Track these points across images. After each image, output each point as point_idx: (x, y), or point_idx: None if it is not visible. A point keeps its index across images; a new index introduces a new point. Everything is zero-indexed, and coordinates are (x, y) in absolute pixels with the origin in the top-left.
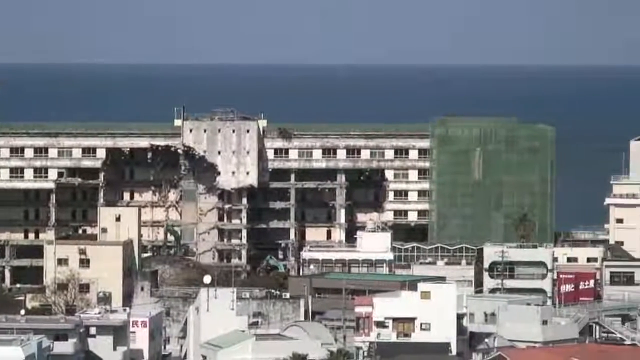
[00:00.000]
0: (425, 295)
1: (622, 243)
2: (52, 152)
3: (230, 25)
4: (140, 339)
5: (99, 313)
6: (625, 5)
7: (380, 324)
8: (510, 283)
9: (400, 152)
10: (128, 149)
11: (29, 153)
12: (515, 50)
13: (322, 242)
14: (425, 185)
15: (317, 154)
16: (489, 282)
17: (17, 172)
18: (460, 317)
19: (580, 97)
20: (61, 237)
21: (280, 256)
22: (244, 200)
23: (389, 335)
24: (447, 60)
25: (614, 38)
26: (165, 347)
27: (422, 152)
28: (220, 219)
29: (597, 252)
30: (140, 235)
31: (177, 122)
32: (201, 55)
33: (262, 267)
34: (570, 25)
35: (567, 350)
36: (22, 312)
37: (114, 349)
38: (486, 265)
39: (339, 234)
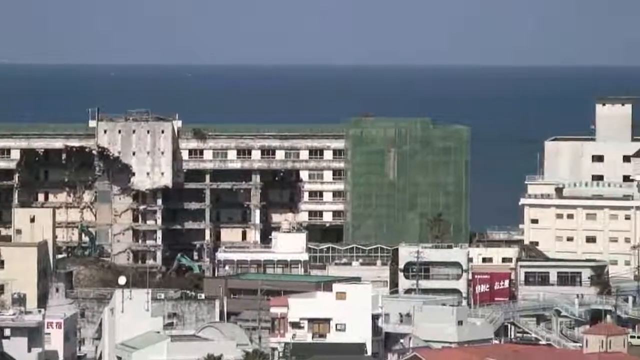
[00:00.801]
0: (341, 295)
1: (536, 243)
2: None
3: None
4: (55, 340)
5: (14, 314)
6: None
7: (296, 325)
8: (425, 283)
9: (315, 153)
10: (42, 150)
11: None
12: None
13: (237, 243)
14: (340, 186)
15: (232, 154)
16: (404, 283)
17: None
18: (375, 317)
19: (496, 98)
20: None
21: (196, 257)
22: (159, 201)
23: (305, 336)
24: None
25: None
26: (80, 349)
27: (337, 152)
28: (135, 220)
29: (511, 252)
30: (55, 237)
31: (92, 123)
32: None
33: (173, 268)
34: (495, 25)
35: (483, 351)
36: None
37: (29, 350)
38: (401, 265)
39: (254, 235)
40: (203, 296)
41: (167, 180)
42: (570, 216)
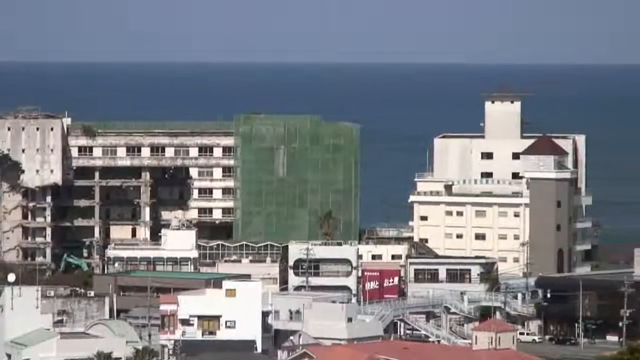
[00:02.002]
0: (231, 293)
1: (426, 240)
2: None
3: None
4: None
5: None
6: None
7: (186, 322)
8: (315, 280)
9: (205, 150)
10: None
11: None
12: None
13: (127, 240)
14: (229, 183)
15: (122, 151)
16: (293, 280)
17: None
18: (265, 314)
19: (387, 95)
20: None
21: (85, 254)
22: (48, 199)
23: (194, 333)
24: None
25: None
26: None
27: (227, 149)
28: (25, 217)
29: (401, 249)
30: None
31: None
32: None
33: (61, 269)
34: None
35: (372, 347)
36: None
37: None
38: (291, 262)
39: (143, 232)
40: (93, 293)
41: (56, 177)
42: (459, 213)
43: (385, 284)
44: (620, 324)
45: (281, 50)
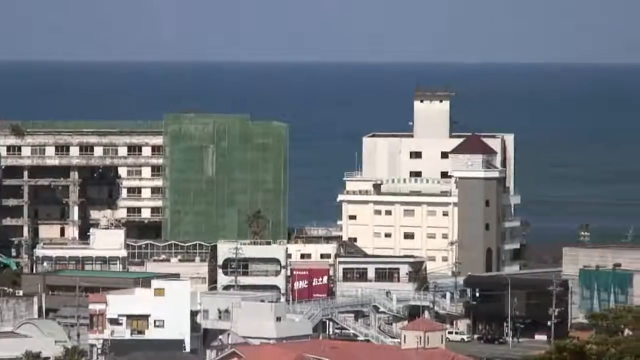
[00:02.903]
0: (159, 292)
1: (355, 239)
2: None
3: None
4: None
5: None
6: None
7: (114, 321)
8: (244, 280)
9: (134, 149)
10: None
11: None
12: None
13: (56, 240)
14: (158, 182)
15: (50, 151)
16: (222, 279)
17: None
18: (194, 313)
19: (314, 93)
20: None
21: (14, 254)
22: None
23: (123, 332)
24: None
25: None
26: None
27: (156, 149)
28: None
29: (330, 248)
30: None
31: None
32: None
33: None
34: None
35: (301, 347)
36: None
37: None
38: (220, 262)
39: (72, 231)
40: (21, 293)
41: None
42: (388, 212)
43: (314, 283)
44: (549, 322)
45: (207, 49)
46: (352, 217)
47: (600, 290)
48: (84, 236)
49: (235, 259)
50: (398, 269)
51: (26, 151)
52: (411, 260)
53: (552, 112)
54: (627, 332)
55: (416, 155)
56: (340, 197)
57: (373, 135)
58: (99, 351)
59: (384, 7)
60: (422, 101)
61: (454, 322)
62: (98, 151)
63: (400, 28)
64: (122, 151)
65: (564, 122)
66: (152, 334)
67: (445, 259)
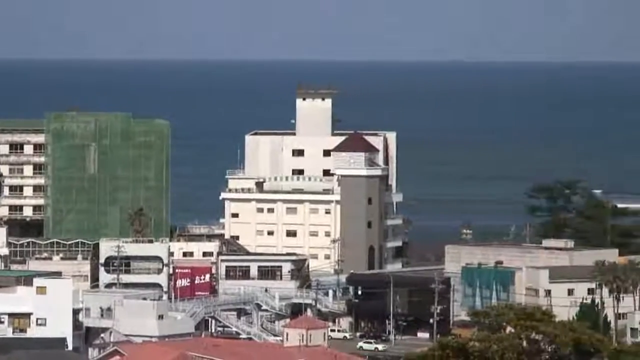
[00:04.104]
0: (41, 290)
1: (237, 237)
2: None
3: None
4: None
5: None
6: None
7: None
8: (126, 278)
9: (15, 147)
10: None
11: None
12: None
13: None
14: (40, 181)
15: None
16: (105, 277)
17: None
18: (76, 312)
19: (196, 91)
20: None
21: None
22: None
23: (5, 330)
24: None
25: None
26: None
27: (38, 147)
28: None
29: (212, 246)
30: None
31: None
32: None
33: None
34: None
35: (183, 345)
36: None
37: None
38: (102, 260)
39: None
40: None
41: None
42: (270, 210)
43: (196, 281)
44: (431, 320)
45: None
46: (235, 215)
47: (482, 287)
48: None
49: (118, 257)
50: (280, 266)
51: None
52: (294, 258)
53: (443, 111)
54: (509, 329)
55: (298, 153)
56: (222, 195)
57: (255, 133)
58: None
59: (266, 3)
60: (304, 99)
61: (337, 320)
62: None
63: (283, 25)
64: (4, 149)
65: (455, 121)
66: (34, 332)
67: (327, 257)
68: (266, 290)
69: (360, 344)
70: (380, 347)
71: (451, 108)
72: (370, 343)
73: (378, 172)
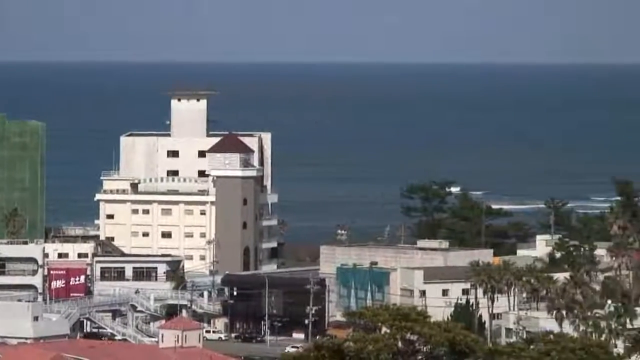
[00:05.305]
0: None
1: (112, 238)
2: None
3: None
4: None
5: None
6: None
7: None
8: (0, 279)
9: None
10: None
11: None
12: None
13: None
14: None
15: None
16: None
17: None
18: None
19: (72, 93)
20: None
21: None
22: None
23: None
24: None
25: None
26: None
27: None
28: None
29: (87, 247)
30: None
31: None
32: None
33: None
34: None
35: (58, 346)
36: None
37: None
38: None
39: None
40: None
41: None
42: (146, 211)
43: (71, 282)
44: (306, 321)
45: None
46: (110, 217)
47: (357, 288)
48: None
49: None
50: (156, 268)
51: None
52: (169, 259)
53: (302, 111)
54: (384, 329)
55: (173, 154)
56: (97, 197)
57: (131, 135)
58: None
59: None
60: (179, 100)
61: (212, 321)
62: None
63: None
64: None
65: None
66: None
67: (203, 258)
68: (136, 292)
69: None
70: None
71: (334, 110)
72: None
73: (253, 173)
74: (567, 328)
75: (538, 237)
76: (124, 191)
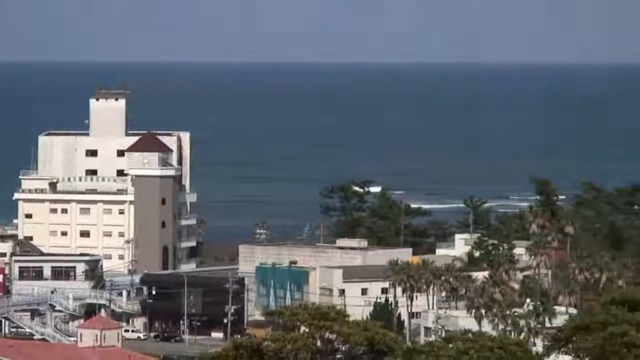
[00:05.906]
0: None
1: (31, 238)
2: None
3: None
4: None
5: None
6: None
7: None
8: None
9: None
10: None
11: None
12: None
13: None
14: None
15: None
16: None
17: None
18: None
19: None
20: None
21: None
22: None
23: None
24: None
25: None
26: None
27: None
28: None
29: (5, 247)
30: None
31: None
32: None
33: None
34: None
35: None
36: None
37: None
38: None
39: None
40: None
41: None
42: (64, 211)
43: None
44: (225, 320)
45: None
46: (28, 216)
47: (276, 287)
48: None
49: None
50: (74, 267)
51: None
52: (87, 258)
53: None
54: (303, 328)
55: (92, 153)
56: (15, 196)
57: (49, 134)
58: None
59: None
60: (97, 99)
61: (130, 320)
62: None
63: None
64: None
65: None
66: None
67: (121, 257)
68: (52, 292)
69: None
70: None
71: (256, 109)
72: None
73: (172, 172)
74: (486, 327)
75: (457, 236)
76: (42, 190)
